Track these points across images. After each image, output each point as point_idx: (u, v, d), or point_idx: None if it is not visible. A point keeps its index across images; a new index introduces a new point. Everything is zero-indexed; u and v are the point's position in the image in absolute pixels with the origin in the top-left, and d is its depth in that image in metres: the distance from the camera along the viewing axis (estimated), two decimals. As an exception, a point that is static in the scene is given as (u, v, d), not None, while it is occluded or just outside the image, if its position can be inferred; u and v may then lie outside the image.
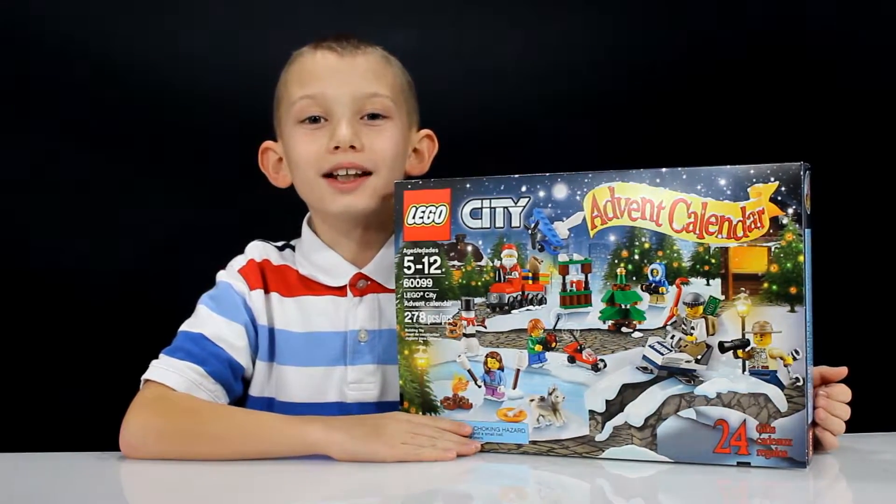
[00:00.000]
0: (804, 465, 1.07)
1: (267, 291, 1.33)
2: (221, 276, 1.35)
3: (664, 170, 1.12)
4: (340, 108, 1.28)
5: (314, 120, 1.29)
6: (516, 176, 1.18)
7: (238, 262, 1.35)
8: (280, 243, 1.39)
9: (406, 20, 1.82)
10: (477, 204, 1.20)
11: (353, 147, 1.26)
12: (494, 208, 1.20)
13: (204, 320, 1.29)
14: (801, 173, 1.07)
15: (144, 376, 1.25)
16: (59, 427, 1.78)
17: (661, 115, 1.82)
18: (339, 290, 1.33)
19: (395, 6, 1.83)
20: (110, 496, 1.09)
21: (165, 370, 1.25)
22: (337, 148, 1.26)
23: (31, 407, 1.80)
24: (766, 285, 1.07)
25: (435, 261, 1.24)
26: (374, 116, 1.29)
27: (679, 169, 1.11)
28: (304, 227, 1.38)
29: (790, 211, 1.06)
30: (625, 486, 1.03)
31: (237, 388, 1.30)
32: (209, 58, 1.81)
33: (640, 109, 1.82)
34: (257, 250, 1.36)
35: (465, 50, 1.85)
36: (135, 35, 1.81)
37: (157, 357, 1.28)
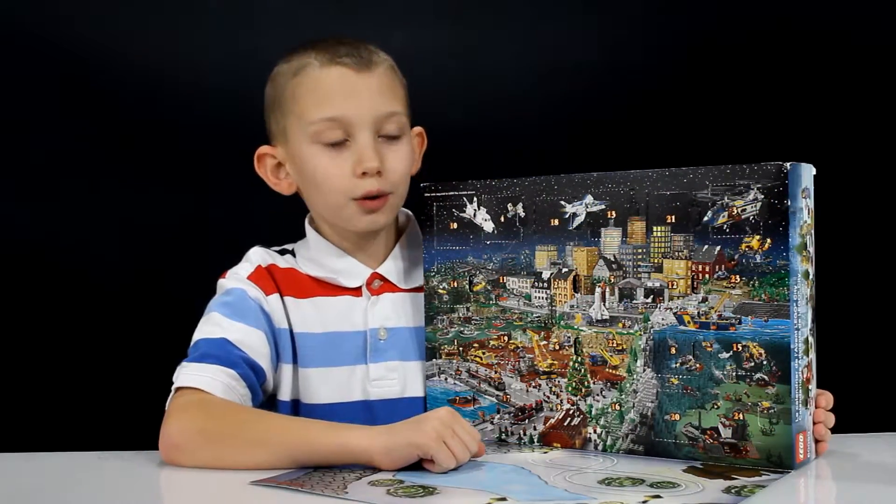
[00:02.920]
0: (804, 465, 1.08)
1: (281, 295, 1.31)
2: (229, 282, 1.31)
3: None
4: (362, 131, 1.27)
5: (337, 142, 1.28)
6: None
7: (244, 269, 1.32)
8: (278, 248, 1.37)
9: (406, 20, 1.82)
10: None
11: (378, 172, 1.27)
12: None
13: (223, 326, 1.26)
14: (802, 173, 1.07)
15: (176, 384, 1.21)
16: (59, 427, 1.78)
17: (662, 115, 1.82)
18: (355, 291, 1.33)
19: (395, 6, 1.83)
20: (110, 496, 1.09)
21: (199, 375, 1.20)
22: (364, 173, 1.27)
23: (32, 407, 1.80)
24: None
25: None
26: (391, 136, 1.30)
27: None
28: (309, 229, 1.37)
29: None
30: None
31: (260, 394, 1.27)
32: (209, 58, 1.81)
33: (640, 110, 1.83)
34: (259, 256, 1.34)
35: (465, 50, 1.85)
36: (135, 34, 1.81)
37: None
